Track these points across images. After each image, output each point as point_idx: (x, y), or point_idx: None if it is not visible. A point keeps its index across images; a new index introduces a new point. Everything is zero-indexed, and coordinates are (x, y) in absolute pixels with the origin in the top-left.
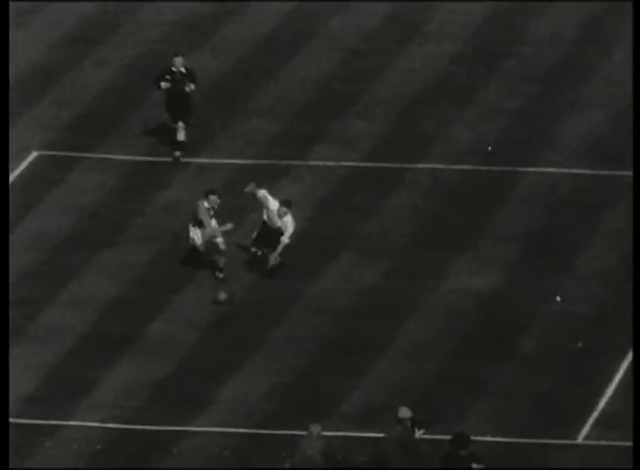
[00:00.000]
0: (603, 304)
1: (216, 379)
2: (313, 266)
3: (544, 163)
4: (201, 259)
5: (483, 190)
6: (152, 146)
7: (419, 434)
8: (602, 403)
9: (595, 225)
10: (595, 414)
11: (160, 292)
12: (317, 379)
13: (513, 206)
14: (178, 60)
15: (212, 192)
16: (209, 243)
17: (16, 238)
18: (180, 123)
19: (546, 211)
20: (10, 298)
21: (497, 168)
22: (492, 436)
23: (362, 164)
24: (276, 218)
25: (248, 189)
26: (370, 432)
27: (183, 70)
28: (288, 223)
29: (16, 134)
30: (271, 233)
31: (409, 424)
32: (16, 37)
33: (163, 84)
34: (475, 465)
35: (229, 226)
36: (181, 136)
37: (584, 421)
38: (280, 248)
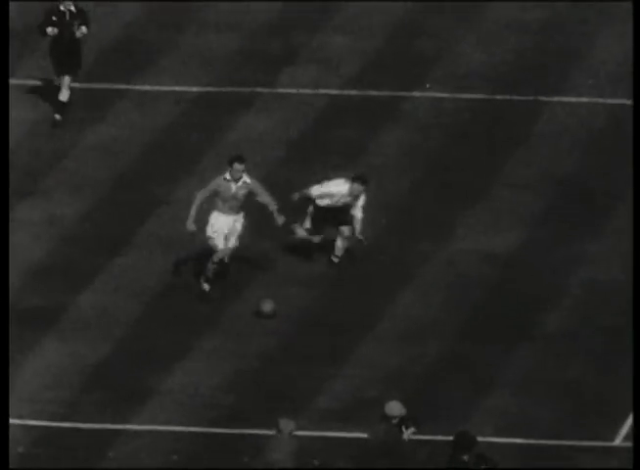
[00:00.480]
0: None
1: (162, 365)
2: (286, 224)
3: (572, 91)
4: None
5: (497, 125)
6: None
7: (407, 434)
8: None
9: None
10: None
11: (93, 255)
12: (288, 365)
13: (534, 144)
14: None
15: (239, 159)
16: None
17: None
18: (66, 78)
19: (576, 151)
20: None
21: (514, 97)
22: (504, 436)
23: (345, 92)
24: (345, 200)
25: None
26: (354, 431)
27: (73, 9)
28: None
29: None
30: (330, 214)
31: (396, 422)
32: None
33: (50, 30)
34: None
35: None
36: (64, 96)
37: (620, 418)
38: (359, 225)
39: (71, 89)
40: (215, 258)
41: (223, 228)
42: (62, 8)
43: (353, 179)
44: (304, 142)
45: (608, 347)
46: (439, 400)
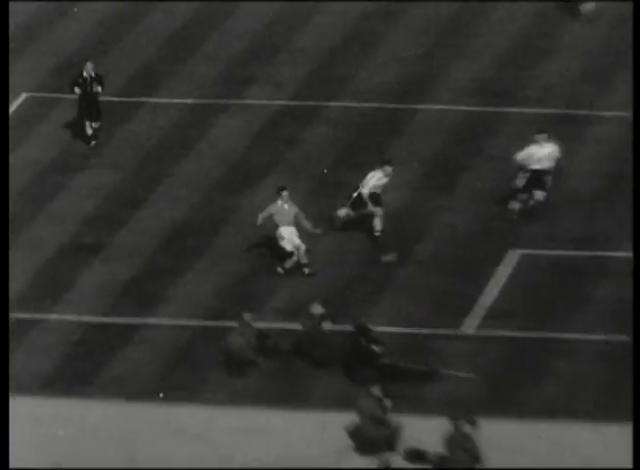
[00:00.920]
0: (486, 219)
1: (171, 279)
2: (249, 186)
3: (436, 100)
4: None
5: (388, 123)
6: (122, 86)
7: (326, 326)
8: (487, 301)
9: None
10: (479, 310)
11: (126, 209)
12: (254, 280)
13: (411, 136)
14: (89, 65)
15: (283, 188)
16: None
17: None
18: (89, 122)
19: (439, 141)
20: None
21: (399, 106)
22: (391, 326)
23: (290, 103)
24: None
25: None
26: (293, 323)
27: (92, 74)
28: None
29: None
30: (363, 201)
31: (319, 318)
32: None
33: (76, 90)
34: (375, 347)
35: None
36: (89, 131)
37: (470, 315)
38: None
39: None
40: (291, 252)
41: (291, 236)
42: (84, 74)
43: (383, 162)
44: (262, 135)
45: (461, 268)
46: (349, 303)
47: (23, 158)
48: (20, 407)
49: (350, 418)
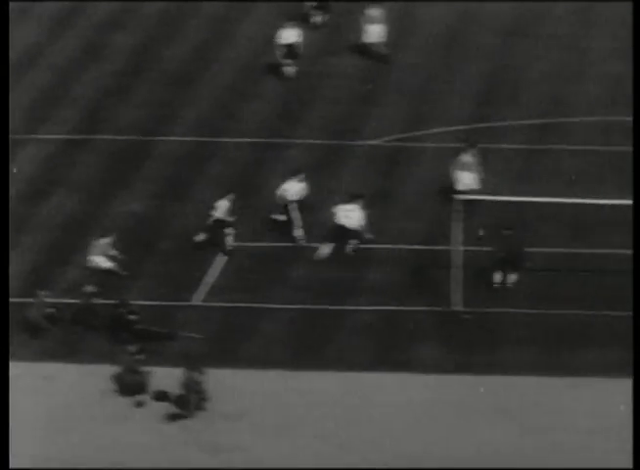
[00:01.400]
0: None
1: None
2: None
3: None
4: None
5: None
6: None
7: (97, 301)
8: (209, 280)
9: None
10: (204, 287)
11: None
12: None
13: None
14: None
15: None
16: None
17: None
18: None
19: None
20: None
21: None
22: (143, 301)
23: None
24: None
25: None
26: (72, 299)
27: None
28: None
29: None
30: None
31: (91, 295)
32: None
33: None
34: (132, 316)
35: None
36: None
37: (197, 290)
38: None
39: None
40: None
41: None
42: None
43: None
44: None
45: (190, 256)
46: (118, 284)
47: None
48: None
49: (113, 369)
